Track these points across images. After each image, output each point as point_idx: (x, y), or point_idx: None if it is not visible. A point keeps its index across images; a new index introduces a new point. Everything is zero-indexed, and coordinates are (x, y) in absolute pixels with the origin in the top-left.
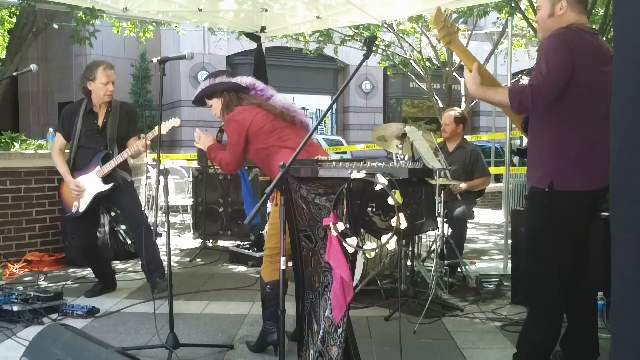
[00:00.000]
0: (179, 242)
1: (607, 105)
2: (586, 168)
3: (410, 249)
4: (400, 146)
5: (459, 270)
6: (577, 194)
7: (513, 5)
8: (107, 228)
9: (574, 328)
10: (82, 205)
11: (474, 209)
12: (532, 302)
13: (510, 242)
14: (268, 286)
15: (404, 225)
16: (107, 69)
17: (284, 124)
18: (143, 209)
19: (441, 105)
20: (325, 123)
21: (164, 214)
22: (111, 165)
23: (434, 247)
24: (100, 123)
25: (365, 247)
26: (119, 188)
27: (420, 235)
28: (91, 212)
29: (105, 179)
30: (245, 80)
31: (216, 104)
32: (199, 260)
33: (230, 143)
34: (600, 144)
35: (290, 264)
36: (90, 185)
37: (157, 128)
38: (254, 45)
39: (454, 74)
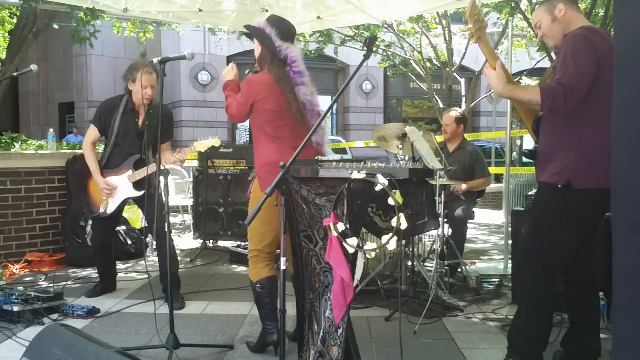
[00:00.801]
0: (179, 242)
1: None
2: (604, 166)
3: (410, 249)
4: (400, 146)
5: (459, 270)
6: (593, 191)
7: (513, 5)
8: None
9: (574, 328)
10: (111, 207)
11: (474, 209)
12: (520, 294)
13: (510, 242)
14: (257, 285)
15: (404, 225)
16: (147, 72)
17: (289, 121)
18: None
19: (441, 105)
20: (325, 123)
21: (164, 214)
22: (144, 173)
23: (434, 247)
24: (140, 123)
25: (365, 247)
26: (147, 195)
27: (420, 235)
28: (114, 214)
29: (137, 185)
30: (290, 51)
31: (256, 47)
32: (199, 260)
33: (239, 100)
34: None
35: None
36: (120, 187)
37: (195, 144)
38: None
39: (454, 74)
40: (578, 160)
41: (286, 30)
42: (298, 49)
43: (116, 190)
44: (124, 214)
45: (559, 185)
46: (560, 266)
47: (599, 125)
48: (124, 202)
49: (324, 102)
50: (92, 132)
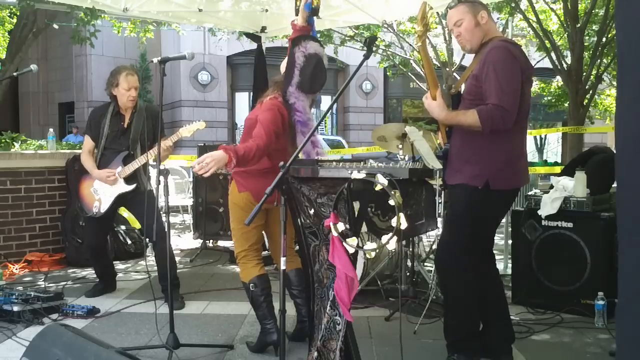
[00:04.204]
0: (179, 242)
1: (527, 114)
2: (516, 169)
3: (410, 249)
4: (400, 146)
5: None
6: (506, 191)
7: (513, 5)
8: None
9: (485, 317)
10: (104, 205)
11: None
12: (445, 290)
13: (510, 242)
14: (250, 285)
15: (404, 225)
16: (128, 75)
17: (282, 147)
18: (160, 220)
19: None
20: (325, 123)
21: (164, 214)
22: (133, 167)
23: (434, 247)
24: (125, 124)
25: (365, 247)
26: (137, 193)
27: (420, 235)
28: (108, 213)
29: (127, 180)
30: (298, 101)
31: (284, 62)
32: (199, 260)
33: (269, 130)
34: (524, 148)
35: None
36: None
37: (180, 130)
38: (254, 45)
39: (454, 74)
40: (495, 164)
41: (306, 83)
42: (307, 99)
43: (109, 187)
44: (124, 214)
45: (479, 187)
46: (479, 258)
47: (511, 132)
48: (117, 201)
49: (324, 102)
50: (87, 141)
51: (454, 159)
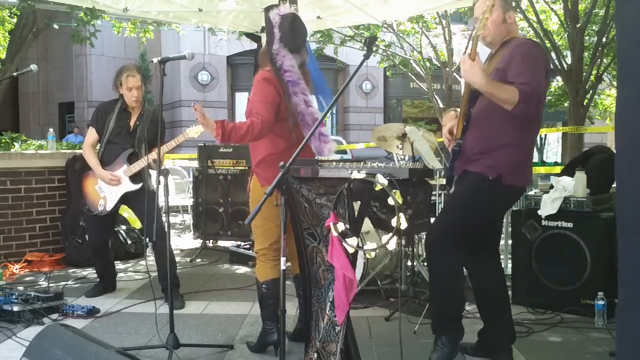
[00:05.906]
0: (179, 242)
1: (542, 114)
2: (528, 169)
3: (410, 249)
4: (400, 146)
5: None
6: (514, 188)
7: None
8: None
9: (486, 316)
10: (109, 204)
11: None
12: (432, 272)
13: (510, 242)
14: (263, 285)
15: (404, 225)
16: (130, 76)
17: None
18: (161, 221)
19: (441, 106)
20: (325, 123)
21: (164, 214)
22: (139, 165)
23: None
24: (131, 123)
25: (365, 247)
26: (141, 191)
27: (420, 235)
28: (112, 211)
29: (133, 178)
30: (285, 60)
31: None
32: (199, 260)
33: (264, 105)
34: (534, 147)
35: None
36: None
37: (187, 131)
38: (254, 45)
39: (454, 74)
40: (511, 159)
41: (288, 37)
42: (294, 59)
43: (114, 185)
44: (124, 214)
45: (490, 177)
46: (467, 248)
47: (528, 129)
48: (121, 200)
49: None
50: (91, 133)
51: (468, 150)
